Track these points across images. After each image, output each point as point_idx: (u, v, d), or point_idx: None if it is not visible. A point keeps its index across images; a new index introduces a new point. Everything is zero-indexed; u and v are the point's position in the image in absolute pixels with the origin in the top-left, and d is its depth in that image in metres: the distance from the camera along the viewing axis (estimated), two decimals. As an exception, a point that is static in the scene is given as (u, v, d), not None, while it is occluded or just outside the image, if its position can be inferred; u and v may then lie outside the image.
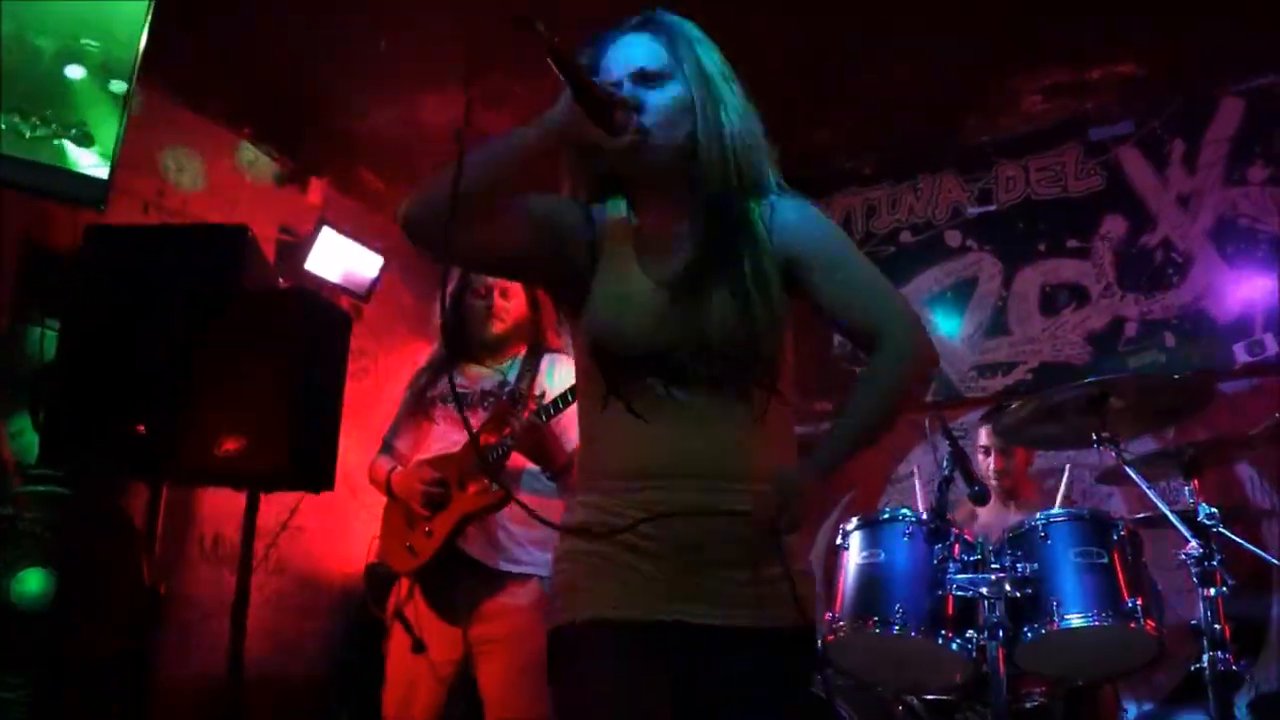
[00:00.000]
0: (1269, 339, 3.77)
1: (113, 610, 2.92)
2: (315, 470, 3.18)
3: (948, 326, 4.41)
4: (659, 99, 1.49)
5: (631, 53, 1.53)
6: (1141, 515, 2.98)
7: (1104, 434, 2.69)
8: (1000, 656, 2.62)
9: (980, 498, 2.82)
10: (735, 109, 1.53)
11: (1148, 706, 3.71)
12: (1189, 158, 4.03)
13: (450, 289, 3.63)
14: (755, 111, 1.59)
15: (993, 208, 4.39)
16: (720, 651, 1.42)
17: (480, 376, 3.42)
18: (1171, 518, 2.46)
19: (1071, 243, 4.20)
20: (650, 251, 1.54)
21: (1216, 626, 2.37)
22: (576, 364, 1.62)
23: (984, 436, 3.65)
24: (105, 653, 2.80)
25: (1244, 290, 3.86)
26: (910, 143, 4.51)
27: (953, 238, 4.47)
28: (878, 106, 4.24)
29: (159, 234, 3.50)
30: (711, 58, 1.56)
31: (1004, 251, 4.34)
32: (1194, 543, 2.42)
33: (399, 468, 3.22)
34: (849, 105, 4.24)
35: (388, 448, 3.54)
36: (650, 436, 1.46)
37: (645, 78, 1.50)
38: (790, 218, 1.53)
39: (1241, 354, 3.81)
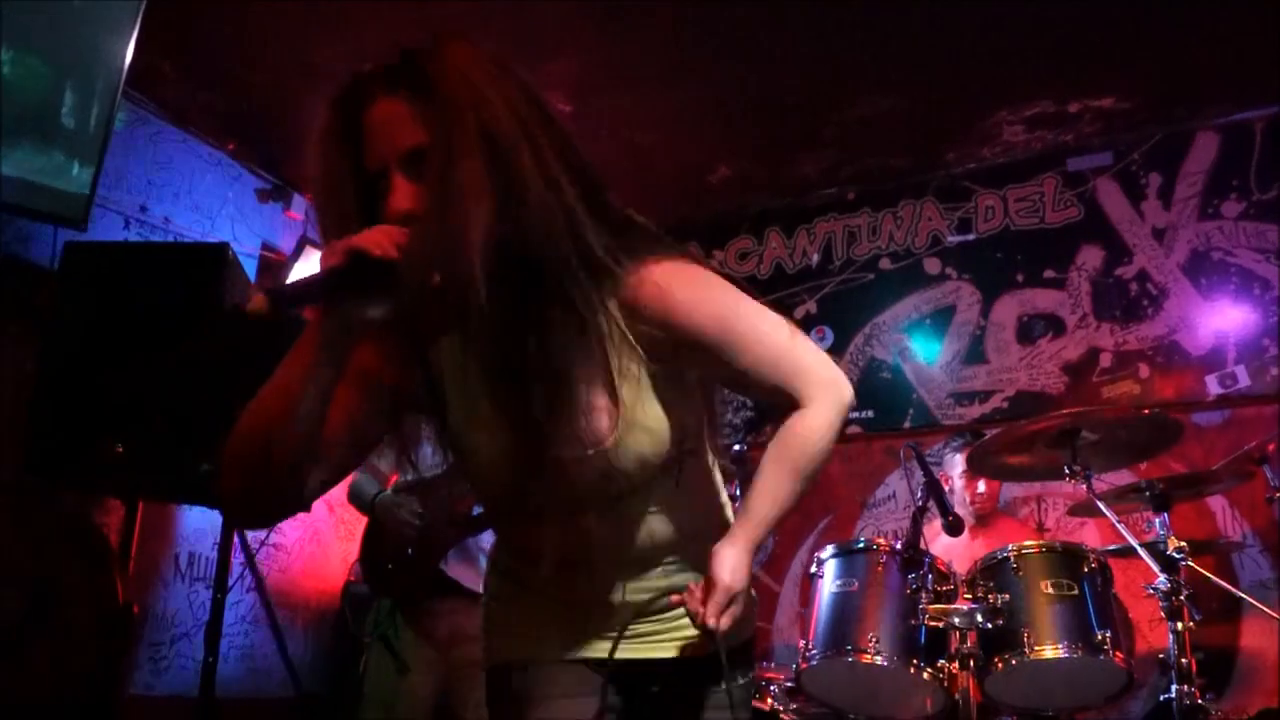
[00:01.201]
0: (1240, 371, 3.82)
1: (84, 628, 2.90)
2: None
3: (926, 353, 4.44)
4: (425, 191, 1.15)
5: (392, 126, 1.18)
6: (1114, 547, 3.01)
7: (1075, 466, 2.71)
8: (971, 686, 2.64)
9: (954, 528, 2.84)
10: (533, 173, 1.17)
11: (1118, 734, 3.74)
12: (1165, 191, 4.09)
13: None
14: (573, 167, 1.22)
15: (972, 236, 4.44)
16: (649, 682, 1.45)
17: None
18: (1140, 551, 2.49)
19: (1048, 273, 4.24)
20: (493, 387, 1.30)
21: (1183, 660, 2.39)
22: None
23: (960, 463, 3.67)
24: (76, 670, 2.78)
25: (1217, 323, 3.91)
26: (892, 171, 4.56)
27: (932, 265, 4.51)
28: (861, 135, 4.29)
29: (139, 252, 3.50)
30: (493, 117, 1.15)
31: (982, 280, 4.38)
32: (1162, 577, 2.45)
33: (384, 491, 3.23)
34: (833, 133, 4.28)
35: (367, 466, 3.55)
36: (553, 538, 1.41)
37: (412, 162, 1.17)
38: (658, 291, 1.25)
39: (1214, 386, 3.86)
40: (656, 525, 1.40)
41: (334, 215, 1.20)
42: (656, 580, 1.43)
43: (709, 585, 1.30)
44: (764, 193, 4.77)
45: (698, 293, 1.29)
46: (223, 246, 3.30)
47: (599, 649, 1.42)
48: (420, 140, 1.16)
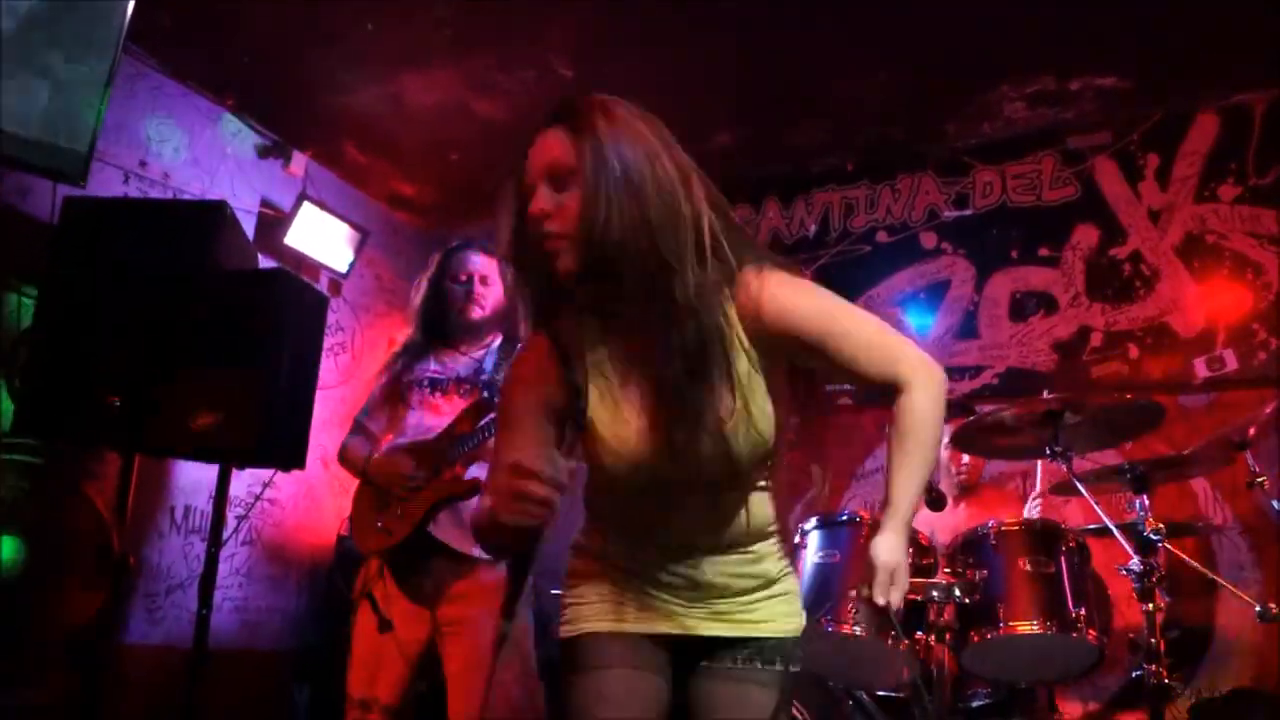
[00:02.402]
0: (1229, 355, 3.84)
1: (81, 579, 2.96)
2: (287, 449, 3.22)
3: (919, 327, 4.47)
4: (569, 201, 1.40)
5: (543, 150, 1.44)
6: (1095, 525, 3.06)
7: (1056, 448, 2.75)
8: (946, 658, 2.71)
9: (937, 504, 2.88)
10: (657, 191, 1.40)
11: (1093, 706, 3.82)
12: (1163, 172, 4.09)
13: (430, 274, 3.68)
14: (697, 187, 1.46)
15: (969, 212, 4.44)
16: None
17: (456, 362, 3.46)
18: (1117, 534, 2.54)
19: (1043, 251, 4.25)
20: (632, 376, 1.53)
21: (1153, 640, 2.45)
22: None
23: (946, 434, 3.70)
24: (73, 618, 2.84)
25: (1208, 306, 3.93)
26: (891, 144, 4.55)
27: (928, 239, 4.52)
28: (861, 108, 4.28)
29: (138, 208, 3.50)
30: (626, 142, 1.42)
31: (977, 256, 4.40)
32: (1135, 559, 2.49)
33: (375, 452, 3.27)
34: (833, 106, 4.28)
35: (360, 429, 3.59)
36: (665, 520, 1.58)
37: (555, 176, 1.42)
38: (774, 296, 1.47)
39: (1202, 369, 3.89)
40: (749, 512, 1.59)
41: (507, 233, 1.49)
42: (738, 566, 1.60)
43: (870, 569, 1.46)
44: (763, 161, 4.76)
45: (805, 298, 1.50)
46: (220, 205, 3.31)
47: (677, 625, 1.59)
48: (561, 157, 1.41)
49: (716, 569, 1.59)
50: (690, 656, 1.61)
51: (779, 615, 1.62)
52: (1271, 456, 3.65)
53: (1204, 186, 4.00)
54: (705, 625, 1.60)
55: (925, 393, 1.49)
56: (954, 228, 4.47)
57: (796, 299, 1.49)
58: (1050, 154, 4.31)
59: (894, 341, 1.53)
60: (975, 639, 2.71)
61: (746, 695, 1.58)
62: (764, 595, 1.62)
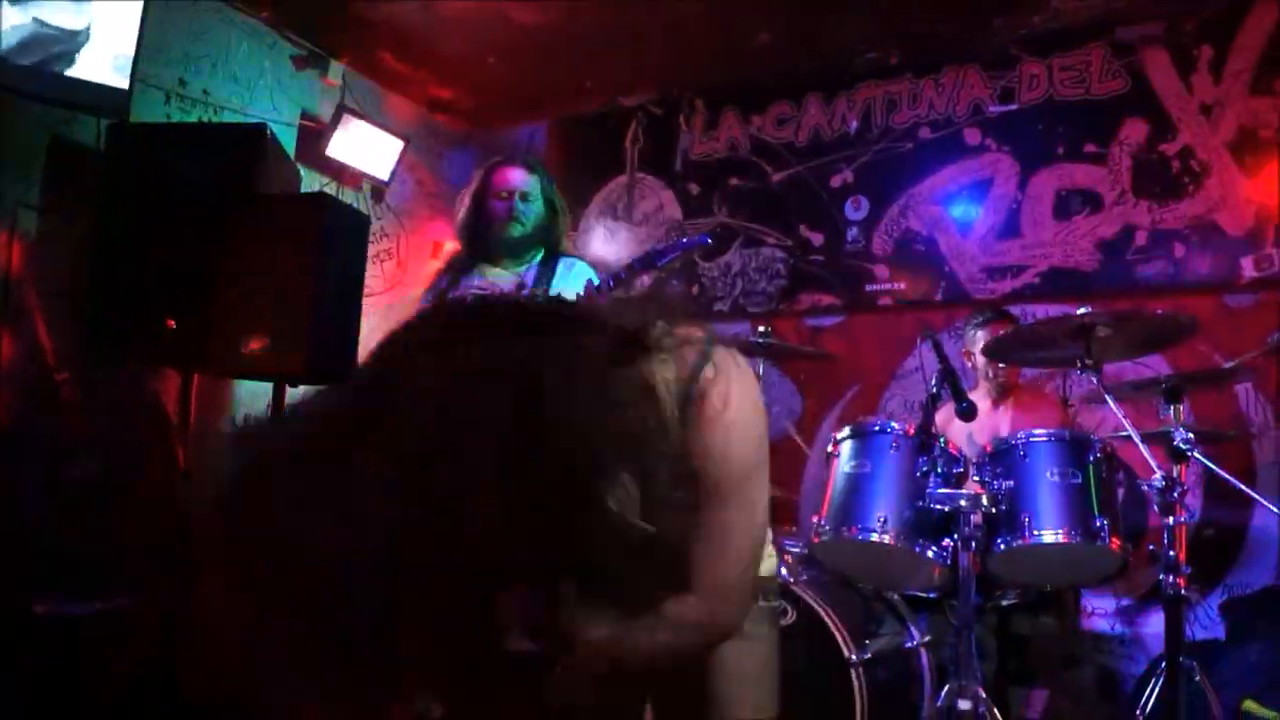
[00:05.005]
0: (1278, 254, 3.77)
1: (151, 494, 3.15)
2: (336, 368, 3.35)
3: (961, 225, 4.43)
4: None
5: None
6: (1125, 433, 3.09)
7: (1088, 361, 2.77)
8: (972, 564, 2.79)
9: (967, 414, 2.92)
10: None
11: (1125, 601, 3.92)
12: (1216, 64, 3.93)
13: (472, 189, 3.73)
14: None
15: (1014, 106, 4.33)
16: None
17: (500, 279, 3.54)
18: (1142, 448, 2.57)
19: (1089, 147, 4.15)
20: None
21: (1172, 553, 2.51)
22: None
23: (981, 339, 3.71)
24: (144, 535, 3.03)
25: (1258, 203, 3.83)
26: (936, 36, 4.42)
27: (972, 136, 4.43)
28: (908, 2, 4.15)
29: (179, 131, 3.58)
30: None
31: (1021, 153, 4.30)
32: (1158, 474, 2.53)
33: None
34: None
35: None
36: None
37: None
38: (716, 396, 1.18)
39: (1249, 268, 3.82)
40: None
41: None
42: None
43: None
44: (805, 58, 4.66)
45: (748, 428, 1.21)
46: (261, 127, 3.38)
47: None
48: None
49: None
50: None
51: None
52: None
53: (1258, 80, 3.85)
54: None
55: (698, 621, 1.19)
56: (998, 124, 4.36)
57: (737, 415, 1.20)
58: (1099, 45, 4.16)
59: (748, 560, 1.24)
60: (1001, 547, 2.78)
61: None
62: None
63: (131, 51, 3.17)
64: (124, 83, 3.03)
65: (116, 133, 3.31)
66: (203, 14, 4.03)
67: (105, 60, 3.08)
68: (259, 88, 4.28)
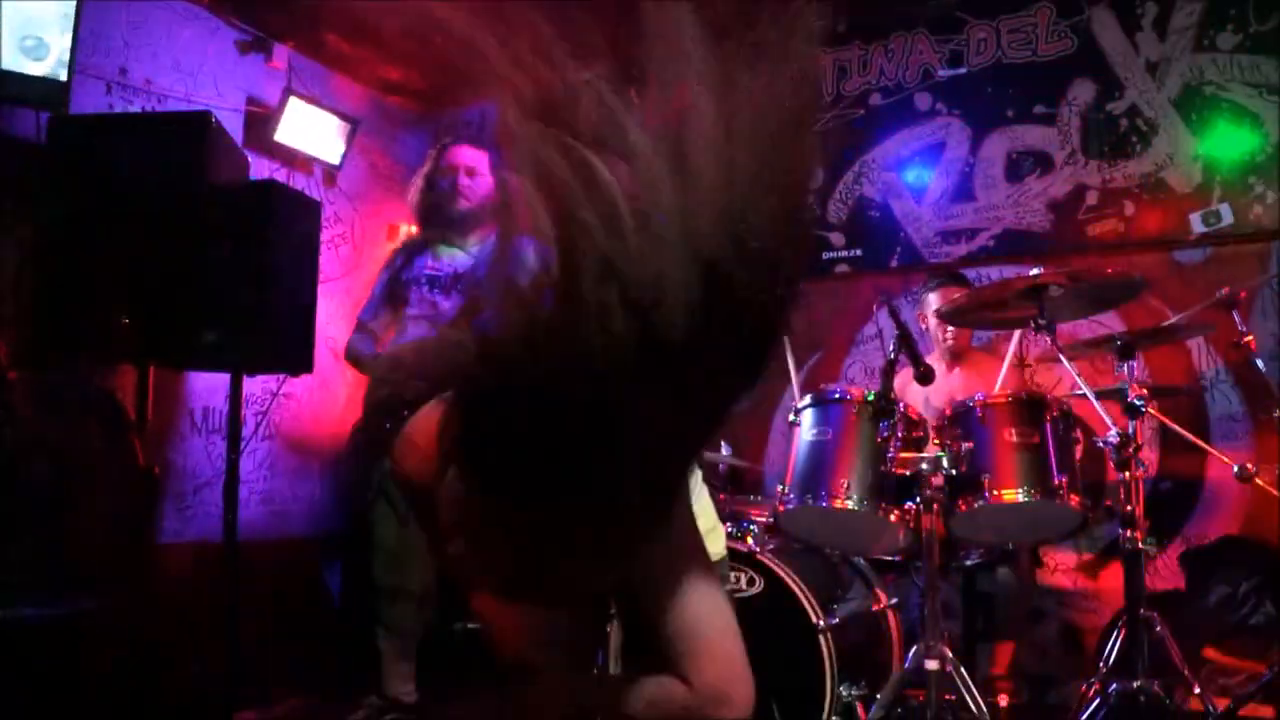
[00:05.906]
0: (1225, 209, 3.83)
1: (109, 495, 3.10)
2: (293, 355, 3.32)
3: (914, 190, 4.45)
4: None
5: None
6: (1080, 391, 3.13)
7: (1041, 321, 2.80)
8: (935, 526, 2.83)
9: (925, 378, 2.95)
10: None
11: (1086, 556, 3.99)
12: (1160, 21, 3.97)
13: (424, 170, 3.70)
14: None
15: (963, 70, 4.35)
16: None
17: (454, 258, 3.52)
18: (1097, 406, 2.62)
19: (1039, 108, 4.18)
20: None
21: (1129, 507, 2.56)
22: None
23: (934, 301, 3.74)
24: (103, 539, 2.99)
25: (1204, 159, 3.89)
26: (884, 2, 4.42)
27: (922, 101, 4.45)
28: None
29: (122, 123, 3.51)
30: None
31: (972, 116, 4.33)
32: (1113, 431, 2.58)
33: (379, 354, 3.39)
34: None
35: (363, 327, 3.69)
36: None
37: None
38: None
39: (1197, 224, 3.88)
40: None
41: None
42: None
43: None
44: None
45: None
46: (205, 115, 3.31)
47: None
48: None
49: None
50: None
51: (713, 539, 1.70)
52: (1267, 308, 3.69)
53: (1203, 36, 3.90)
54: None
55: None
56: (949, 88, 4.38)
57: None
58: (1046, 6, 4.18)
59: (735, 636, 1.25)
60: (963, 507, 2.82)
61: None
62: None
63: (67, 43, 3.09)
64: (62, 74, 2.95)
65: (57, 126, 3.23)
66: (140, 2, 3.94)
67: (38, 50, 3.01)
68: (202, 74, 4.20)
